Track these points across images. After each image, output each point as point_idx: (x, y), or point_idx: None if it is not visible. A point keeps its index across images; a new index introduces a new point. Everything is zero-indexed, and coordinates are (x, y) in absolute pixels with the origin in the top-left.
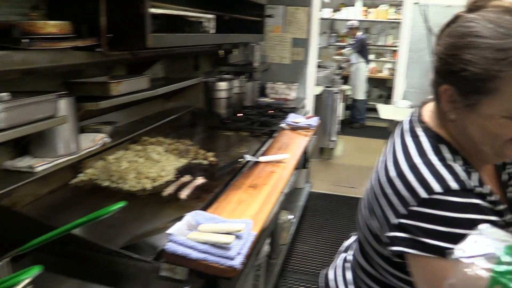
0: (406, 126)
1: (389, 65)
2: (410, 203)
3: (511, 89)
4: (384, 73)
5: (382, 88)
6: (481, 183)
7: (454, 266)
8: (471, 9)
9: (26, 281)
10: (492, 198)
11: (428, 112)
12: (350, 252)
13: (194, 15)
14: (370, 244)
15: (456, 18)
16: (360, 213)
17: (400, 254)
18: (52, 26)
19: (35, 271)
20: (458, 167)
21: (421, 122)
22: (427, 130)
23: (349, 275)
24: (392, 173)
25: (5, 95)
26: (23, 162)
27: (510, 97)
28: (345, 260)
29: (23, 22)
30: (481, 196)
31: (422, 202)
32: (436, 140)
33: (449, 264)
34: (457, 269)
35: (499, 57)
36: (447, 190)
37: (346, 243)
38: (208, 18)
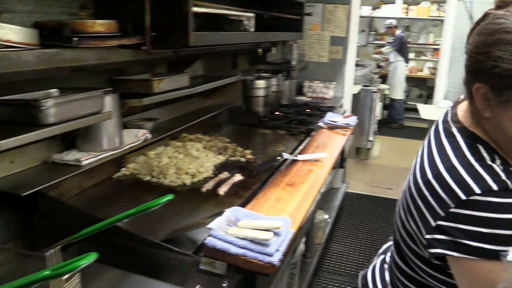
0: (441, 127)
1: (430, 64)
2: (449, 205)
3: None
4: (425, 72)
5: (422, 87)
6: None
7: (506, 269)
8: (500, 5)
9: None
10: None
11: (462, 111)
12: (389, 254)
13: (235, 13)
14: (408, 245)
15: (485, 16)
16: (397, 214)
17: (441, 257)
18: (100, 25)
19: (93, 257)
20: (497, 167)
21: (456, 122)
22: (462, 129)
23: (387, 276)
24: (430, 175)
25: (54, 91)
26: (70, 156)
27: None
28: (383, 261)
29: (73, 21)
30: None
31: (461, 204)
32: (472, 139)
33: (497, 267)
34: (511, 272)
35: None
36: (487, 191)
37: (385, 245)
38: (248, 17)
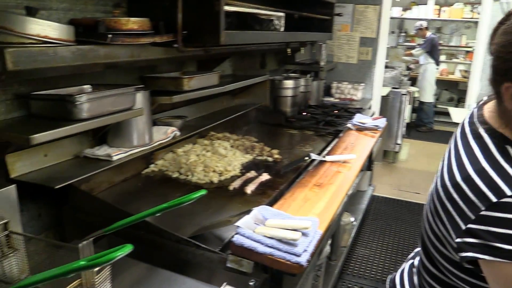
0: (467, 128)
1: (461, 67)
2: (480, 208)
3: None
4: (456, 75)
5: (452, 90)
6: None
7: None
8: None
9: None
10: None
11: (489, 112)
12: (418, 258)
13: (265, 13)
14: (437, 248)
15: (508, 16)
16: (425, 217)
17: (472, 260)
18: (133, 23)
19: (128, 249)
20: None
21: (483, 123)
22: (490, 131)
23: (415, 280)
24: (459, 177)
25: (87, 87)
26: (101, 151)
27: None
28: (412, 266)
29: (108, 19)
30: None
31: (492, 206)
32: (501, 141)
33: None
34: None
35: None
36: None
37: (416, 250)
38: (278, 16)
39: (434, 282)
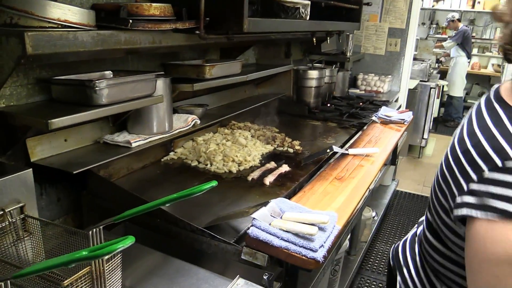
0: (483, 104)
1: (494, 61)
2: (483, 169)
3: None
4: (489, 70)
5: (484, 85)
6: None
7: None
8: None
9: (120, 250)
10: None
11: (505, 90)
12: (420, 228)
13: (291, 0)
14: (441, 218)
15: None
16: (432, 187)
17: (463, 219)
18: (155, 9)
19: (130, 241)
20: None
21: (498, 99)
22: (505, 105)
23: (417, 248)
24: (469, 144)
25: (108, 73)
26: (121, 137)
27: None
28: (415, 234)
29: (130, 4)
30: None
31: (495, 168)
32: None
33: None
34: None
35: None
36: None
37: (420, 219)
38: (304, 4)
39: (433, 252)
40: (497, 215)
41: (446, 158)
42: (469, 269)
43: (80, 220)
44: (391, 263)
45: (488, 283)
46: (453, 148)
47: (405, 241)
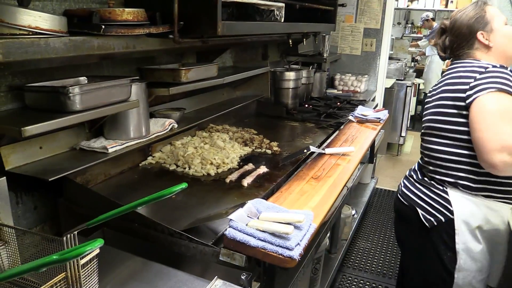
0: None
1: None
2: (476, 76)
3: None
4: None
5: None
6: None
7: None
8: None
9: (91, 253)
10: None
11: (469, 58)
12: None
13: (265, 3)
14: (446, 119)
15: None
16: (427, 111)
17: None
18: (128, 14)
19: (98, 243)
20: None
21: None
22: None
23: (416, 166)
24: (463, 73)
25: (82, 79)
26: (97, 143)
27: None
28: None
29: (102, 9)
30: None
31: (483, 73)
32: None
33: None
34: None
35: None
36: (496, 66)
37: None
38: (278, 7)
39: (433, 158)
40: (495, 89)
41: (439, 90)
42: (479, 137)
43: (57, 227)
44: (404, 202)
45: (494, 132)
46: (445, 82)
47: (406, 180)
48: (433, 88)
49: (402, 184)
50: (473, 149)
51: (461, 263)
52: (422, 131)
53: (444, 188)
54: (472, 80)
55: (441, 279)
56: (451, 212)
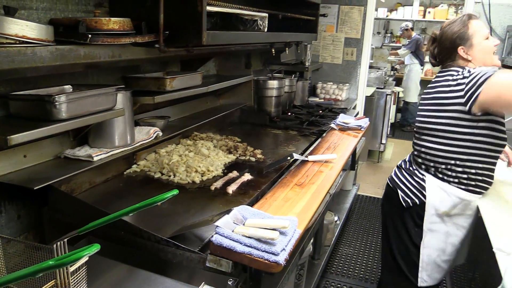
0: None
1: None
2: (462, 76)
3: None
4: None
5: None
6: None
7: None
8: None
9: (86, 257)
10: None
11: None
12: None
13: (248, 13)
14: (435, 125)
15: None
16: (420, 113)
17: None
18: (114, 23)
19: (95, 248)
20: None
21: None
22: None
23: (407, 157)
24: (449, 78)
25: (67, 87)
26: (82, 151)
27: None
28: (400, 166)
29: (88, 19)
30: None
31: (465, 73)
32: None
33: None
34: None
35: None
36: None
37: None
38: (261, 17)
39: (427, 154)
40: (489, 75)
41: (429, 96)
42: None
43: (41, 237)
44: (390, 185)
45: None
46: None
47: (397, 168)
48: (426, 91)
49: (393, 171)
50: (460, 146)
51: (426, 241)
52: (415, 129)
53: (423, 177)
54: (457, 74)
55: (409, 251)
56: (425, 197)
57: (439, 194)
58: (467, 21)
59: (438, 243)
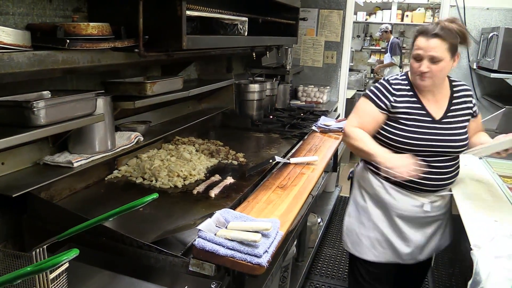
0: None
1: None
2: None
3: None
4: None
5: None
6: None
7: None
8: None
9: (65, 263)
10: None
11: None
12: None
13: (228, 17)
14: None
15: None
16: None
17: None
18: (93, 28)
19: (73, 253)
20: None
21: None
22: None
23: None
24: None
25: (46, 93)
26: (62, 158)
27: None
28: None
29: (66, 24)
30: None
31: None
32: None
33: None
34: None
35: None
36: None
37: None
38: (241, 21)
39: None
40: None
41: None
42: None
43: (21, 245)
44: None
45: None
46: None
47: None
48: None
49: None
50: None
51: (349, 209)
52: None
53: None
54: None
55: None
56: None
57: (368, 174)
58: (416, 36)
59: (358, 215)
